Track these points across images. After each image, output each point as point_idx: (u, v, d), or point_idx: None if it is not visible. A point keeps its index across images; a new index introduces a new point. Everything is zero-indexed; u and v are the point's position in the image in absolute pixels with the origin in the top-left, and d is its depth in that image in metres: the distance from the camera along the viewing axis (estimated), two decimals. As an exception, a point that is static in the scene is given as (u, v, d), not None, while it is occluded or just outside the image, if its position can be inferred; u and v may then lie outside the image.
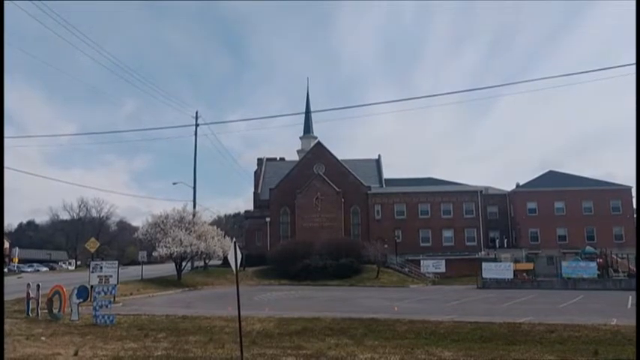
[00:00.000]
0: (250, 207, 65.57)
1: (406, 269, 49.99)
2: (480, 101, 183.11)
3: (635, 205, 57.42)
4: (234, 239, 11.57)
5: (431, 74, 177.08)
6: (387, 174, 64.97)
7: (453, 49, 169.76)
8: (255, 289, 31.84)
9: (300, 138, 78.07)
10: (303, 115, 76.88)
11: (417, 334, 13.97)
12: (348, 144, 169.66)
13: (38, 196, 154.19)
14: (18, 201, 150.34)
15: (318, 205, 56.73)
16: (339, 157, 61.59)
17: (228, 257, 11.23)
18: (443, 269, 47.47)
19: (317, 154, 61.34)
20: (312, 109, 75.82)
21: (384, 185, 62.26)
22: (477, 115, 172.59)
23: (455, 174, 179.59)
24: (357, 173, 60.35)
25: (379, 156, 67.53)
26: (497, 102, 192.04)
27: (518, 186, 61.82)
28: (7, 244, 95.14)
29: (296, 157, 71.65)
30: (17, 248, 79.77)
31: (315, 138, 71.20)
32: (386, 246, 50.70)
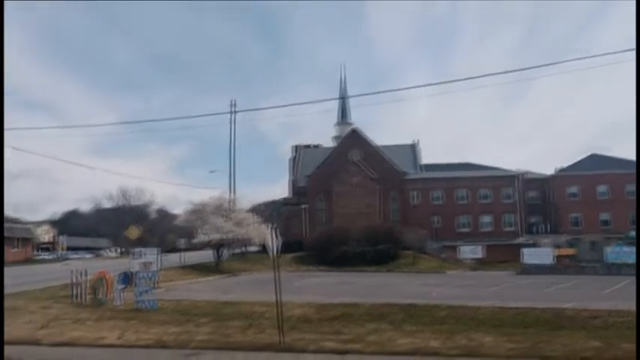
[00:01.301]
0: (286, 194, 65.97)
1: (444, 255, 49.59)
2: (518, 83, 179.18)
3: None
4: (274, 225, 11.66)
5: (467, 58, 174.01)
6: (423, 159, 64.38)
7: (489, 33, 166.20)
8: (293, 275, 32.10)
9: (336, 125, 77.93)
10: (337, 102, 76.68)
11: (456, 319, 13.85)
12: (383, 130, 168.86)
13: (82, 186, 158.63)
14: (63, 190, 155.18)
15: (354, 192, 56.67)
16: (375, 143, 61.27)
17: (267, 243, 11.34)
18: (481, 255, 46.92)
19: (353, 140, 61.18)
20: (347, 96, 75.47)
21: (421, 170, 61.73)
22: (515, 97, 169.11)
23: (493, 158, 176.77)
24: (393, 159, 59.96)
25: (417, 141, 66.92)
26: (536, 84, 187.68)
27: (558, 170, 60.41)
28: (53, 232, 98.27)
29: (332, 144, 71.61)
30: (63, 236, 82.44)
31: (351, 124, 70.99)
32: (423, 232, 50.39)
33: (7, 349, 11.22)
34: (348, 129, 67.94)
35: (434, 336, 11.24)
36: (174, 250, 56.29)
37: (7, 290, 23.69)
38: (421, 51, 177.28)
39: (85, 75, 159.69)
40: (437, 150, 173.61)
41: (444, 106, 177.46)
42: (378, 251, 46.08)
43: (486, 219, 56.81)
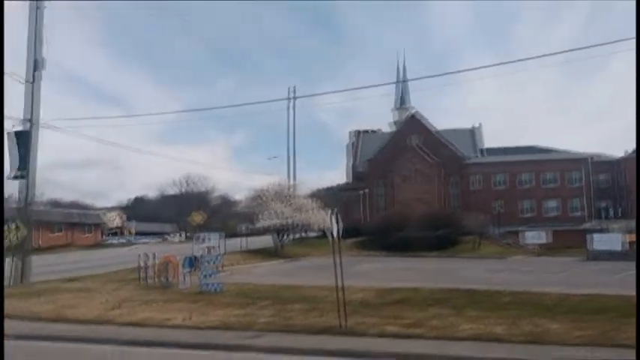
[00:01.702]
0: (345, 180, 66.03)
1: (506, 241, 48.46)
2: (585, 61, 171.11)
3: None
4: (335, 209, 11.71)
5: (529, 37, 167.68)
6: (484, 143, 62.83)
7: (553, 9, 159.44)
8: (353, 260, 32.17)
9: (394, 110, 77.13)
10: (395, 87, 75.73)
11: (520, 305, 13.52)
12: (443, 114, 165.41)
13: (148, 173, 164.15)
14: (131, 178, 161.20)
15: (414, 177, 56.14)
16: (434, 128, 60.32)
17: (328, 228, 11.42)
18: (546, 240, 45.56)
19: (412, 125, 60.48)
20: (406, 79, 74.37)
21: (483, 155, 60.34)
22: (582, 77, 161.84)
23: (560, 141, 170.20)
24: (454, 143, 58.87)
25: (479, 124, 65.34)
26: (604, 62, 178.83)
27: (630, 152, 57.57)
28: (123, 218, 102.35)
29: (390, 129, 70.99)
30: (130, 221, 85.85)
31: (409, 109, 70.10)
32: (485, 217, 49.37)
33: (84, 328, 11.86)
34: (407, 114, 67.15)
35: (497, 322, 11.03)
36: (235, 235, 57.56)
37: (82, 272, 25.02)
38: (481, 32, 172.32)
39: (149, 67, 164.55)
40: (499, 133, 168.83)
41: (506, 88, 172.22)
42: (439, 236, 45.53)
43: (552, 203, 55.03)
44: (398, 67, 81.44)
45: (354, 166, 64.25)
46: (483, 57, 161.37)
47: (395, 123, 73.98)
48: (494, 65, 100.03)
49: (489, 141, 63.74)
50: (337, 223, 11.27)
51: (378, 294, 16.26)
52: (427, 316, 11.85)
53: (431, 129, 59.87)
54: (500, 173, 56.87)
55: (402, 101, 76.21)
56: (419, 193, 55.33)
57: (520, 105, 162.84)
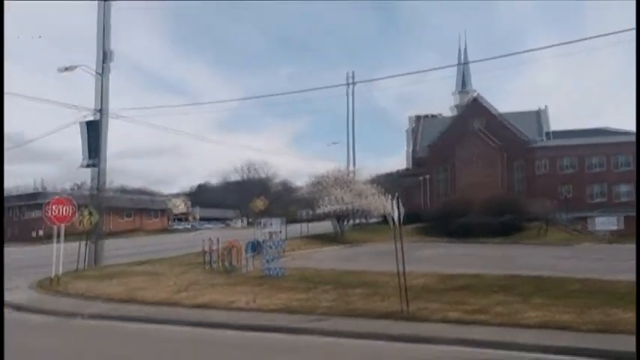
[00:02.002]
0: (404, 165, 65.40)
1: (574, 227, 46.74)
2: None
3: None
4: (396, 194, 11.64)
5: (596, 16, 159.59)
6: (551, 126, 60.52)
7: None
8: (414, 246, 31.89)
9: (455, 93, 75.58)
10: (456, 70, 74.10)
11: (590, 293, 13.04)
12: (506, 97, 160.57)
13: (211, 160, 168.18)
14: (195, 165, 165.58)
15: (476, 161, 54.88)
16: (497, 111, 58.66)
17: (389, 213, 11.38)
18: (617, 227, 43.65)
19: (474, 108, 59.06)
20: (467, 61, 72.58)
21: (549, 138, 58.23)
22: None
23: (630, 123, 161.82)
24: (518, 127, 57.07)
25: (545, 107, 62.98)
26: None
27: None
28: (187, 204, 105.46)
29: (451, 114, 69.64)
30: (195, 207, 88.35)
31: (471, 92, 68.49)
32: (551, 202, 47.73)
33: (153, 310, 12.36)
34: (468, 97, 65.63)
35: (565, 310, 10.70)
36: (296, 221, 58.17)
37: (150, 256, 26.01)
38: (545, 10, 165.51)
39: (211, 55, 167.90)
40: (566, 116, 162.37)
41: (573, 69, 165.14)
42: (503, 222, 44.40)
43: (624, 188, 52.50)
44: (459, 49, 79.68)
45: (414, 151, 63.48)
46: (548, 36, 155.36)
47: (456, 107, 72.55)
48: (561, 45, 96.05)
49: (555, 124, 61.36)
50: (398, 208, 11.22)
51: (440, 280, 16.10)
52: (491, 302, 11.63)
53: (494, 112, 58.28)
54: (567, 157, 54.75)
55: (463, 84, 74.59)
56: (481, 178, 54.03)
57: (588, 86, 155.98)
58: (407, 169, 63.91)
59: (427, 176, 57.93)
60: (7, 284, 18.01)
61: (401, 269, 11.06)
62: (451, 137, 56.69)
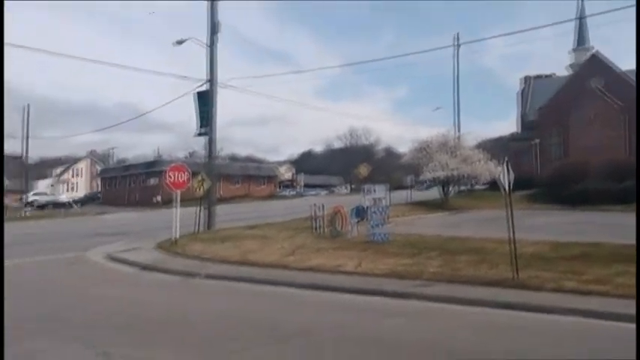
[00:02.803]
0: (514, 129, 62.61)
1: None
2: None
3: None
4: (505, 159, 11.21)
5: None
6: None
7: None
8: (524, 213, 30.62)
9: (571, 51, 70.62)
10: (573, 26, 68.98)
11: None
12: (629, 53, 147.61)
13: (315, 128, 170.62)
14: (300, 133, 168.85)
15: (594, 123, 51.28)
16: (619, 68, 54.15)
17: (500, 178, 11.00)
18: None
19: (593, 66, 54.86)
20: (585, 15, 67.23)
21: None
22: None
23: None
24: (643, 84, 52.42)
25: (675, 61, 57.29)
26: None
27: None
28: (292, 171, 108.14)
29: (566, 73, 65.28)
30: (300, 174, 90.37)
31: (589, 49, 63.65)
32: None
33: (265, 271, 12.92)
34: (586, 54, 61.00)
35: (696, 282, 9.87)
36: (400, 187, 57.83)
37: (259, 221, 27.07)
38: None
39: (313, 23, 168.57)
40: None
41: None
42: (624, 189, 41.23)
43: None
44: (577, 1, 74.04)
45: (524, 114, 60.46)
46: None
47: (571, 66, 67.89)
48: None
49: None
50: (508, 173, 10.81)
51: (552, 248, 15.41)
52: (611, 273, 10.96)
53: (615, 69, 53.85)
54: None
55: (580, 41, 69.42)
56: (600, 142, 50.42)
57: None
58: (516, 133, 61.15)
59: (538, 140, 55.09)
60: (132, 245, 19.60)
61: (511, 236, 10.71)
62: (566, 98, 53.24)
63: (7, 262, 16.06)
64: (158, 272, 13.94)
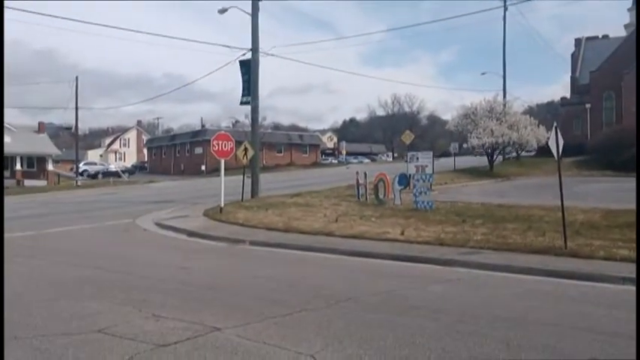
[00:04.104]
0: (565, 94, 60.50)
1: None
2: None
3: None
4: (554, 125, 10.86)
5: None
6: None
7: None
8: (574, 180, 29.83)
9: (630, 9, 67.19)
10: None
11: None
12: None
13: (358, 95, 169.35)
14: (342, 101, 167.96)
15: (652, 87, 48.98)
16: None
17: (549, 144, 10.68)
18: None
19: (651, 25, 52.17)
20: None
21: None
22: None
23: None
24: None
25: None
26: None
27: None
28: (334, 140, 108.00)
29: (623, 34, 62.25)
30: (343, 142, 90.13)
31: (649, 6, 60.37)
32: None
33: (310, 238, 13.03)
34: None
35: None
36: (444, 155, 56.94)
37: (302, 189, 27.24)
38: None
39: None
40: None
41: None
42: (680, 155, 39.66)
43: None
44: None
45: (575, 78, 58.28)
46: None
47: (630, 25, 64.70)
48: None
49: None
50: (557, 139, 10.47)
51: (604, 215, 14.99)
52: (667, 240, 10.58)
53: (675, 29, 51.11)
54: None
55: (639, -3, 65.92)
56: (655, 106, 48.23)
57: None
58: (567, 98, 59.13)
59: (589, 105, 53.15)
60: (179, 213, 20.06)
61: (560, 203, 10.44)
62: (621, 60, 50.88)
63: (64, 229, 16.77)
64: (205, 239, 14.25)
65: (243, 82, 25.20)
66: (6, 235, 14.59)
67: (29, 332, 5.75)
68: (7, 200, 31.77)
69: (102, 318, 6.32)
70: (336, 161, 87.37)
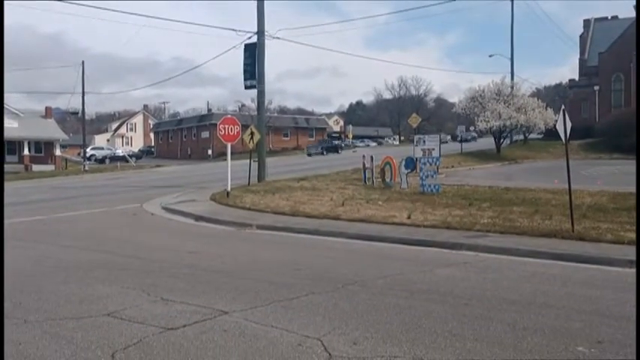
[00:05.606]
0: (574, 76, 59.96)
1: None
2: None
3: None
4: (562, 107, 10.77)
5: None
6: None
7: None
8: (581, 162, 29.73)
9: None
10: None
11: None
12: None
13: (364, 79, 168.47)
14: (349, 85, 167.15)
15: (661, 68, 48.45)
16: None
17: (557, 127, 10.61)
18: None
19: (660, 6, 51.45)
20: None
21: None
22: None
23: None
24: None
25: None
26: None
27: None
28: (340, 123, 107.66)
29: (633, 14, 61.42)
30: (349, 126, 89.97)
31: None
32: None
33: (317, 222, 13.06)
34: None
35: None
36: (452, 137, 56.63)
37: (308, 173, 27.25)
38: None
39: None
40: None
41: None
42: (689, 137, 39.30)
43: None
44: None
45: (583, 60, 57.71)
46: None
47: (634, 7, 63.87)
48: None
49: None
50: (564, 122, 10.39)
51: (611, 198, 14.94)
52: (676, 224, 10.53)
53: (685, 10, 50.40)
54: None
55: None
56: (666, 87, 47.74)
57: None
58: (575, 80, 58.60)
59: (597, 87, 52.69)
60: (186, 197, 20.13)
61: (567, 186, 10.40)
62: (630, 41, 50.32)
63: (73, 213, 16.88)
64: (212, 223, 14.30)
65: (245, 65, 25.08)
66: (16, 219, 14.72)
67: (39, 316, 5.82)
68: (16, 185, 31.99)
69: (111, 301, 6.38)
70: (342, 145, 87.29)
